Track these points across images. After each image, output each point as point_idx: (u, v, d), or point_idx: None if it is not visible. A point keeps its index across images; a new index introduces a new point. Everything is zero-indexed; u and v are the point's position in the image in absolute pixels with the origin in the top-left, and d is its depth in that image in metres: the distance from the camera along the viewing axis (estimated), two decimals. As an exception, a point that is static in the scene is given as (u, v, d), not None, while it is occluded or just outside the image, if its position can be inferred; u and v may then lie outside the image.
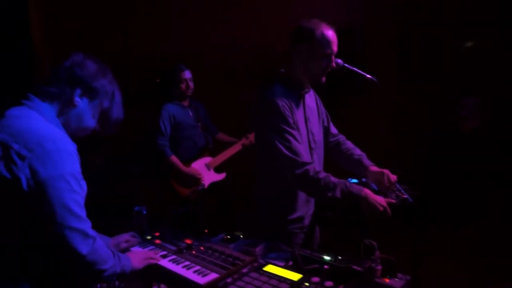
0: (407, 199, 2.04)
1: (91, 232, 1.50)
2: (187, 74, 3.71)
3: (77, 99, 1.59)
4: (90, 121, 1.65)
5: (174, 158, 3.58)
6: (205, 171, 3.74)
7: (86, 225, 1.49)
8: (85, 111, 1.62)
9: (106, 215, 1.89)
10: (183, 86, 3.70)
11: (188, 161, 3.68)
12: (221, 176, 3.84)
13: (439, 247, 3.94)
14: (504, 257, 3.73)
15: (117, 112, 1.69)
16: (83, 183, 1.52)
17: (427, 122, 4.96)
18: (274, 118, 2.07)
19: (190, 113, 3.78)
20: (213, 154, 3.85)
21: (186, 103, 3.78)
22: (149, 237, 2.08)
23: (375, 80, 2.26)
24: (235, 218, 3.96)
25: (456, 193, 4.35)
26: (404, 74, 4.80)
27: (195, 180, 3.62)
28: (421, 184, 2.27)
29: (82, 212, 1.49)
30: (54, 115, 1.57)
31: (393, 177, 2.17)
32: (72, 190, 1.45)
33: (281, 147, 2.04)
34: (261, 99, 2.16)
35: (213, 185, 3.77)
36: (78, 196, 1.47)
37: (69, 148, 1.49)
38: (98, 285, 1.63)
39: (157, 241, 2.04)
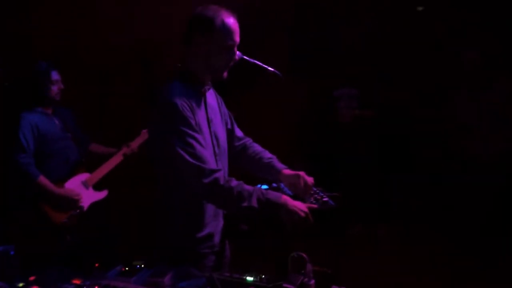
0: (328, 202, 2.02)
1: None
2: (56, 75, 3.36)
3: None
4: None
5: (43, 179, 3.16)
6: (82, 190, 3.39)
7: None
8: None
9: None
10: (54, 88, 3.32)
11: (60, 181, 3.30)
12: (102, 194, 3.52)
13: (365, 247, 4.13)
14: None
15: None
16: None
17: (315, 115, 5.17)
18: (173, 121, 1.92)
19: (56, 122, 3.41)
20: (89, 169, 3.51)
21: (49, 110, 3.39)
22: (21, 284, 1.75)
23: (278, 73, 2.21)
24: (125, 244, 3.68)
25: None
26: (295, 66, 4.91)
27: (71, 202, 3.25)
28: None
29: None
30: None
31: (310, 180, 2.14)
32: None
33: (184, 153, 1.89)
34: (156, 100, 1.99)
35: (93, 206, 3.42)
36: None
37: None
38: None
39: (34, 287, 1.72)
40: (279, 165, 2.26)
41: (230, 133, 2.34)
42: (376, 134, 4.97)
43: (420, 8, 5.28)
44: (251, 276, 1.65)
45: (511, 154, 4.21)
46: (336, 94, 5.14)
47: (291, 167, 2.25)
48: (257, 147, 2.38)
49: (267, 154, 2.34)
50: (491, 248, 4.05)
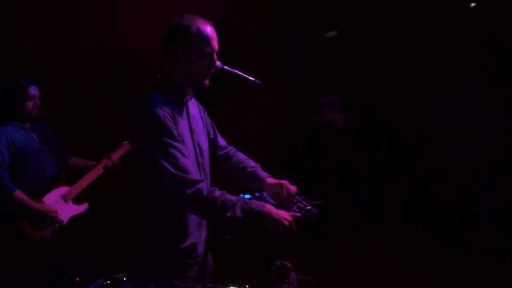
0: (311, 210, 2.02)
1: None
2: (35, 90, 3.31)
3: None
4: None
5: (19, 193, 3.09)
6: (61, 204, 3.33)
7: None
8: None
9: None
10: (30, 104, 3.27)
11: (38, 195, 3.24)
12: (82, 207, 3.46)
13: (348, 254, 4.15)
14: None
15: None
16: None
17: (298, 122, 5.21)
18: (155, 131, 1.92)
19: (34, 136, 3.36)
20: (69, 183, 3.46)
21: (27, 124, 3.35)
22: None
23: (259, 82, 2.23)
24: (108, 257, 3.63)
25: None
26: (273, 74, 4.95)
27: (49, 218, 3.19)
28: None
29: None
30: None
31: (293, 188, 2.15)
32: None
33: (166, 164, 1.89)
34: (138, 110, 1.99)
35: (74, 219, 3.38)
36: None
37: None
38: None
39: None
40: (262, 173, 2.27)
41: (213, 143, 2.34)
42: (358, 138, 5.02)
43: (331, 34, 5.38)
44: (234, 286, 1.65)
45: (491, 156, 4.29)
46: (321, 101, 5.19)
47: (274, 175, 2.26)
48: (240, 156, 2.38)
49: (250, 163, 2.34)
50: (475, 250, 4.12)
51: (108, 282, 1.84)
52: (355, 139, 5.01)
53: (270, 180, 2.21)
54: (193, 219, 2.06)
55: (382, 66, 5.18)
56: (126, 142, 3.66)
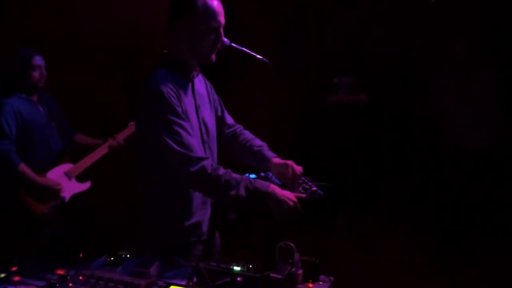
0: (316, 191, 2.01)
1: None
2: (40, 60, 3.29)
3: None
4: None
5: (24, 167, 3.11)
6: (65, 181, 3.34)
7: None
8: None
9: None
10: (36, 74, 3.26)
11: (42, 170, 3.25)
12: (85, 185, 3.48)
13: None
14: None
15: None
16: None
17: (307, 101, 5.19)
18: (159, 109, 1.90)
19: (41, 109, 3.36)
20: (73, 160, 3.47)
21: (35, 97, 3.34)
22: (3, 275, 1.73)
23: (267, 61, 2.20)
24: (110, 234, 3.65)
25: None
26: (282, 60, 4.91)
27: (52, 193, 3.21)
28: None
29: None
30: None
31: (298, 169, 2.12)
32: None
33: (170, 142, 1.88)
34: (142, 88, 1.97)
35: (76, 197, 3.39)
36: None
37: None
38: None
39: (16, 278, 1.70)
40: (268, 153, 2.24)
41: (220, 120, 2.32)
42: (368, 120, 4.98)
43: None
44: (238, 265, 1.64)
45: (497, 147, 4.26)
46: (336, 81, 5.15)
47: (281, 154, 2.24)
48: (247, 134, 2.36)
49: (257, 142, 2.32)
50: (474, 239, 4.12)
51: (112, 258, 1.83)
52: (359, 120, 5.00)
53: (276, 160, 2.19)
54: (197, 197, 2.06)
55: (387, 57, 5.14)
56: (132, 123, 3.65)
